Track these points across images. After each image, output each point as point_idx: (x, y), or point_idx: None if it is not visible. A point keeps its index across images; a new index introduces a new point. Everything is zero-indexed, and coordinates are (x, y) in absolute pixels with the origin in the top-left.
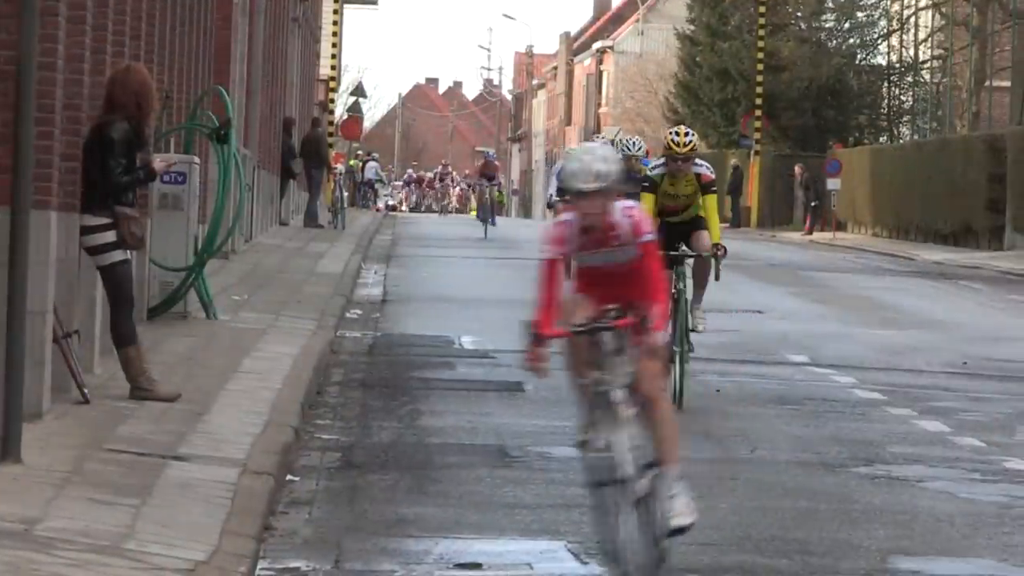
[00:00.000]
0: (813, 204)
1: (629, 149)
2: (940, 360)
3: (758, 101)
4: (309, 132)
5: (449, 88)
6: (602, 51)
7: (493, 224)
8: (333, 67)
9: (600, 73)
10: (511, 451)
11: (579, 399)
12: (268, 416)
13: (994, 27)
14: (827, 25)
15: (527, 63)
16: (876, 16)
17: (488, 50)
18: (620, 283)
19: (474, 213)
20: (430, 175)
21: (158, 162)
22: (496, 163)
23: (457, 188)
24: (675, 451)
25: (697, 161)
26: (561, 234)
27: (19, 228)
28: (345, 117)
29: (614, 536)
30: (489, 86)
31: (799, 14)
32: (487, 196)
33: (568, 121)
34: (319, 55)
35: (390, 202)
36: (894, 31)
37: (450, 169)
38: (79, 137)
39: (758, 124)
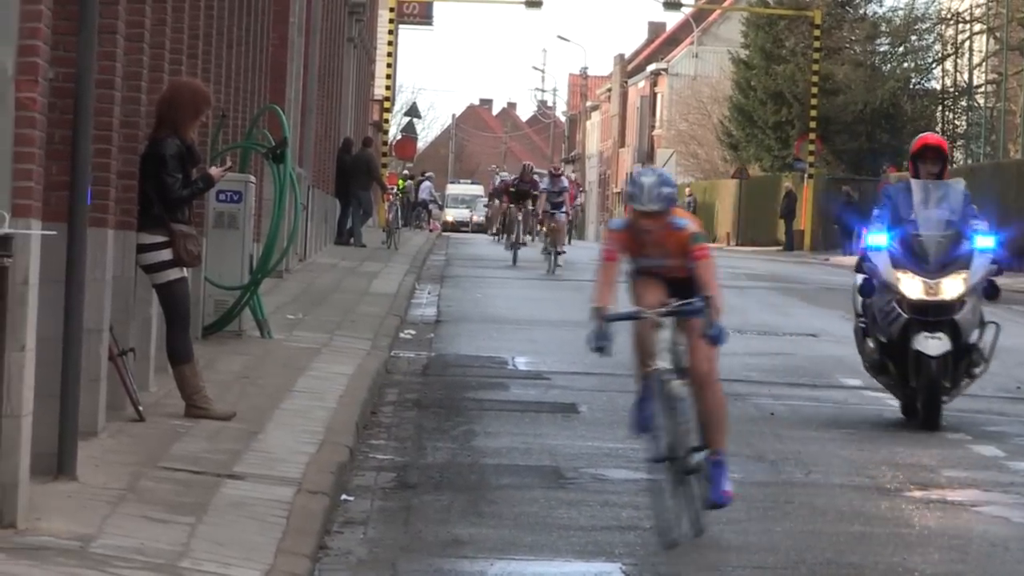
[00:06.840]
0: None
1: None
2: (994, 385)
3: (812, 124)
4: (359, 151)
5: (503, 109)
6: (656, 73)
7: None
8: (388, 87)
9: (654, 95)
10: (566, 472)
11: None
12: (323, 435)
13: None
14: (881, 49)
15: (581, 85)
16: (931, 40)
17: (542, 71)
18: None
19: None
20: (504, 180)
21: (215, 169)
22: None
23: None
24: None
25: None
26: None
27: (76, 246)
28: (399, 137)
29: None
30: (543, 107)
31: (854, 38)
32: None
33: (622, 143)
34: (374, 75)
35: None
36: (948, 56)
37: (566, 181)
38: (136, 155)
39: (812, 147)
